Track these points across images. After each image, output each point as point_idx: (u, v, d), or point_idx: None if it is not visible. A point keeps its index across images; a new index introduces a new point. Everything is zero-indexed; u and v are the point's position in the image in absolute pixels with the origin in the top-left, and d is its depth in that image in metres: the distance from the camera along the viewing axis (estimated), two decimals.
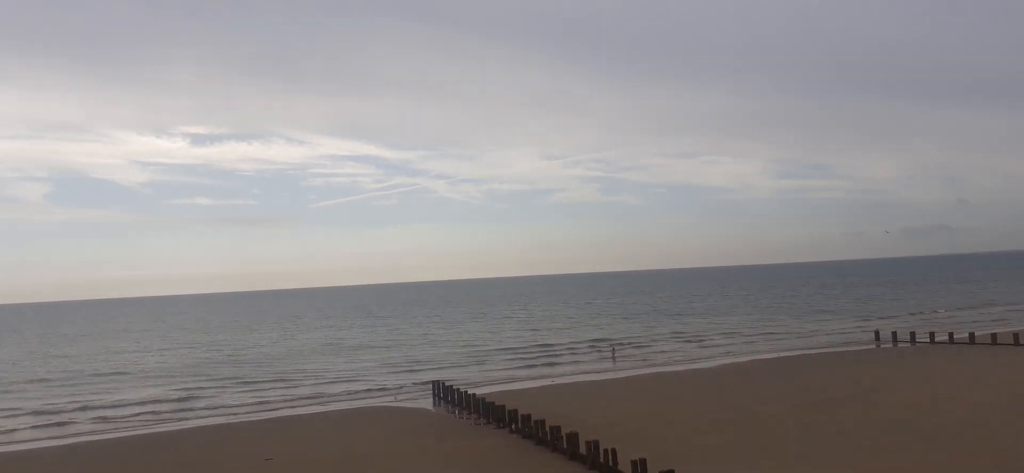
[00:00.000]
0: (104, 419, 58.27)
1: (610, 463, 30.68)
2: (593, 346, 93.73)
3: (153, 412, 60.45)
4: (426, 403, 56.79)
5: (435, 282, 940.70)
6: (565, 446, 34.57)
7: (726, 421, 40.05)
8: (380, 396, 62.49)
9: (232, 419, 55.14)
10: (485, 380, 67.58)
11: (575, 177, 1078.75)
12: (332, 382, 72.67)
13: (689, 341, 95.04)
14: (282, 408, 59.25)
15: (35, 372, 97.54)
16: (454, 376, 68.29)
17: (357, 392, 65.42)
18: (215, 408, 61.16)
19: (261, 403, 62.44)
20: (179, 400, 65.97)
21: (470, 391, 52.09)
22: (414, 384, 67.48)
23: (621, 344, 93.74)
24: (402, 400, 59.55)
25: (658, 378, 62.65)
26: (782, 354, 76.22)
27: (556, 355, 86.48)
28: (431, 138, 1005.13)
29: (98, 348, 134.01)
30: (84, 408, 63.81)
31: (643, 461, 28.24)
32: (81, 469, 39.58)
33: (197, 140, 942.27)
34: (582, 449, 33.45)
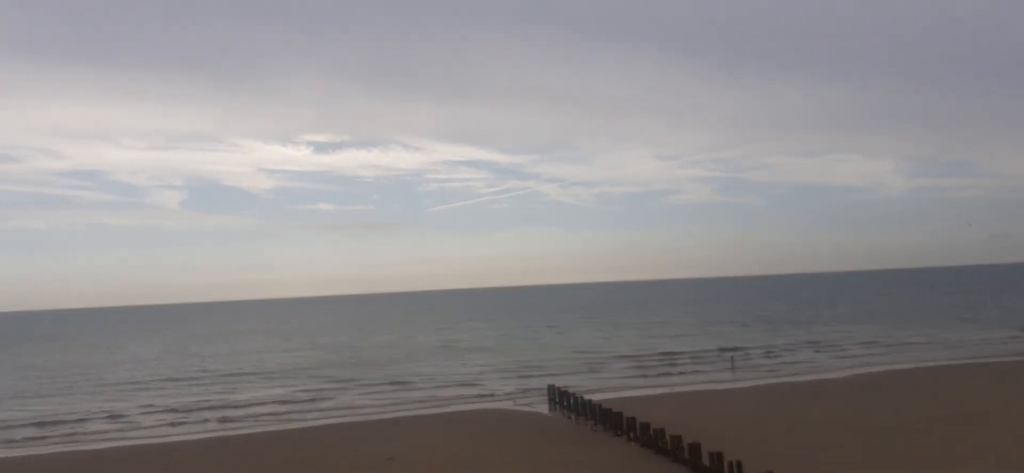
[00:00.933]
0: (232, 418, 61.31)
1: None
2: (714, 354, 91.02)
3: (274, 412, 63.09)
4: (542, 408, 56.63)
5: (547, 286, 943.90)
6: (687, 456, 33.49)
7: (858, 434, 37.75)
8: (496, 400, 62.83)
9: (354, 419, 56.80)
10: (600, 387, 66.76)
11: (691, 178, 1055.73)
12: (446, 386, 73.71)
13: (818, 350, 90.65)
14: (400, 409, 60.56)
15: (172, 370, 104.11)
16: (568, 382, 67.79)
17: (469, 396, 66.04)
18: (338, 408, 63.23)
19: (381, 404, 64.10)
20: (304, 400, 68.62)
21: (586, 397, 51.49)
22: (527, 389, 67.50)
23: (744, 352, 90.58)
24: (519, 404, 59.64)
25: (784, 388, 59.99)
26: (921, 364, 71.46)
27: (674, 363, 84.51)
28: (543, 142, 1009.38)
29: (228, 348, 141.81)
30: (215, 406, 67.46)
31: None
32: (218, 462, 41.63)
33: (319, 148, 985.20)
34: (705, 460, 32.30)
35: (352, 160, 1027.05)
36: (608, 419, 44.04)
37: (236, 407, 66.26)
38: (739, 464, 29.50)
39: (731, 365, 79.61)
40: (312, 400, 68.32)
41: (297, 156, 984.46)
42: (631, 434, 40.54)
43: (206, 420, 60.49)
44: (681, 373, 75.87)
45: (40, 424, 61.01)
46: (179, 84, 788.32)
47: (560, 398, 55.57)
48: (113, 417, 63.60)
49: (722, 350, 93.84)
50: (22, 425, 61.31)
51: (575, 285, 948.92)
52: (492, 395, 65.81)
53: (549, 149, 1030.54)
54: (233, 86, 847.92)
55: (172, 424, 59.19)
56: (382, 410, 60.86)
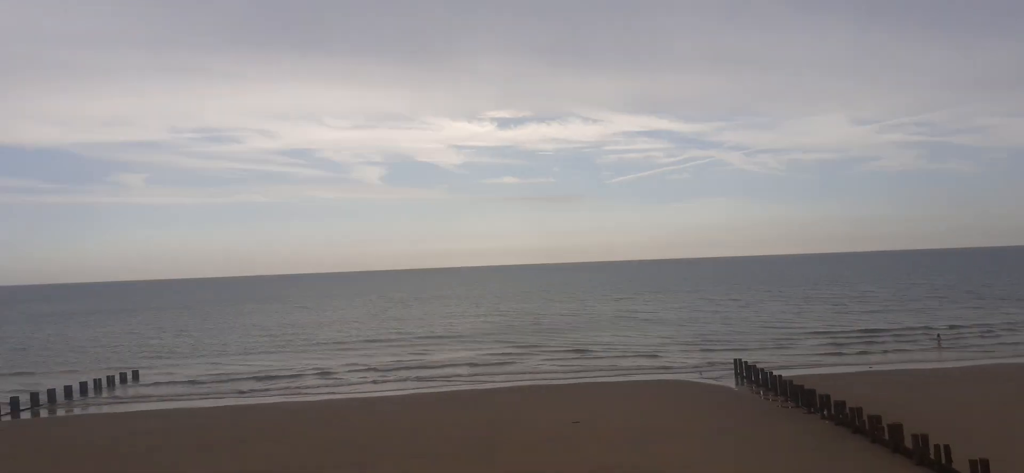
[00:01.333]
0: (426, 377, 65.27)
1: (942, 460, 27.53)
2: (919, 332, 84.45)
3: (464, 373, 66.36)
4: (728, 382, 55.50)
5: (729, 258, 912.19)
6: (886, 437, 31.71)
7: None
8: (678, 372, 62.30)
9: (539, 382, 58.65)
10: (789, 363, 64.19)
11: (892, 143, 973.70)
12: (627, 355, 73.98)
13: None
14: (582, 376, 61.68)
15: (372, 332, 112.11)
16: (754, 357, 65.76)
17: (650, 368, 65.87)
18: (523, 372, 65.52)
19: (564, 370, 65.63)
20: (493, 363, 71.69)
21: (775, 372, 49.84)
22: (711, 363, 66.27)
23: (956, 331, 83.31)
24: (705, 377, 58.82)
25: (1002, 371, 54.69)
26: None
27: (873, 340, 79.33)
28: (725, 108, 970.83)
29: (421, 313, 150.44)
30: (411, 366, 72.10)
31: (985, 462, 24.92)
32: (415, 416, 44.67)
33: (503, 123, 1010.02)
34: (907, 442, 30.45)
35: (533, 134, 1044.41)
36: (800, 395, 42.47)
37: (430, 367, 70.51)
38: (947, 449, 27.54)
39: (938, 344, 73.54)
40: (500, 363, 71.22)
41: (482, 132, 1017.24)
42: (825, 412, 38.90)
43: (404, 378, 64.90)
44: (881, 350, 71.16)
45: (261, 378, 68.12)
46: (377, 68, 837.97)
47: (747, 372, 54.16)
48: (323, 373, 69.74)
49: (929, 328, 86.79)
50: (247, 378, 68.79)
51: (760, 257, 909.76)
52: (674, 367, 65.29)
53: (732, 116, 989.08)
54: (424, 68, 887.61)
55: (374, 382, 64.01)
56: (565, 376, 62.31)
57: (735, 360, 59.05)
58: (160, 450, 37.95)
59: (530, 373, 64.87)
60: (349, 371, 70.67)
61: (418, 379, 64.07)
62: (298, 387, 62.74)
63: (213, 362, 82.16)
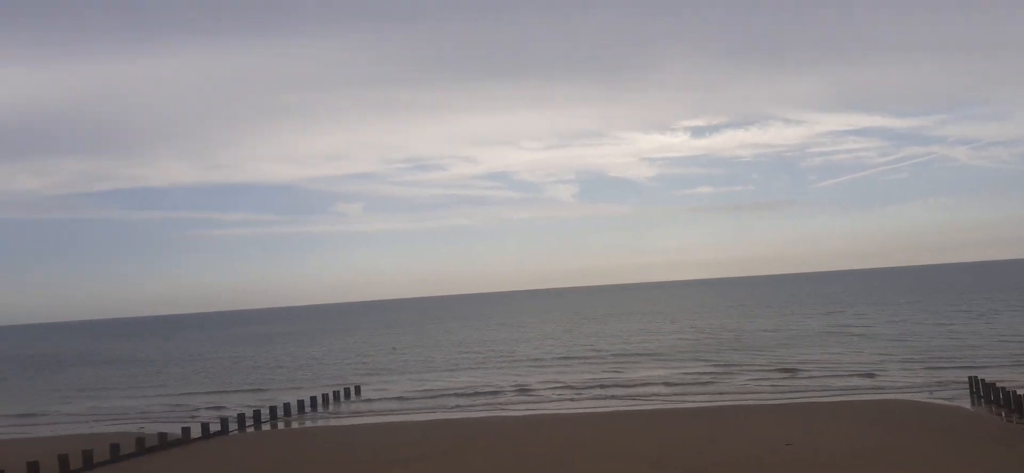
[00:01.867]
0: (621, 395, 64.89)
1: None
2: None
3: (660, 393, 65.15)
4: (963, 403, 50.35)
5: (954, 264, 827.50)
6: None
7: None
8: (901, 391, 57.42)
9: (744, 402, 56.43)
10: None
11: None
12: (839, 374, 69.17)
13: None
14: (791, 395, 58.55)
15: (567, 349, 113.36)
16: (990, 375, 59.10)
17: (867, 387, 61.15)
18: (725, 391, 63.35)
19: (770, 390, 62.66)
20: (690, 382, 69.92)
21: (1020, 392, 44.55)
22: (940, 382, 60.39)
23: None
24: (935, 396, 53.79)
25: None
26: None
27: None
28: (947, 100, 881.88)
29: (616, 329, 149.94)
30: (606, 384, 72.01)
31: None
32: (614, 434, 44.53)
33: (696, 132, 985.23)
34: None
35: (730, 141, 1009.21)
36: None
37: (626, 385, 70.00)
38: None
39: None
40: (699, 382, 69.30)
41: (675, 143, 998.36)
42: None
43: (600, 396, 64.96)
44: None
45: (465, 394, 70.96)
46: (567, 88, 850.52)
47: (984, 391, 48.83)
48: (521, 390, 71.49)
49: None
50: (450, 394, 72.01)
51: (990, 262, 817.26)
52: (895, 386, 60.22)
53: (955, 107, 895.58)
54: (613, 83, 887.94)
55: (571, 400, 64.64)
56: (771, 395, 59.47)
57: (970, 378, 53.47)
58: (387, 457, 40.73)
59: (734, 393, 62.58)
60: (546, 387, 71.85)
61: (614, 397, 63.85)
62: (499, 403, 64.75)
63: (420, 378, 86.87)
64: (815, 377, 67.99)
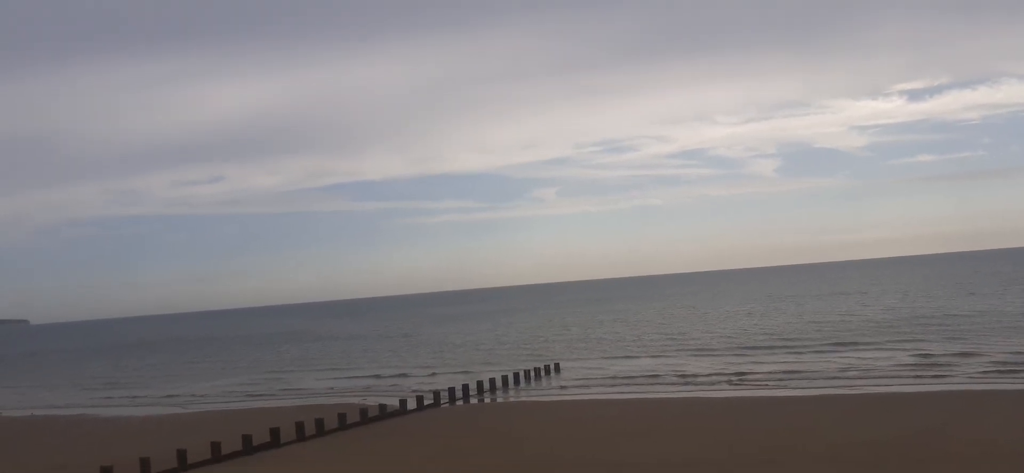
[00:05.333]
0: (835, 378, 61.59)
1: None
2: None
3: (878, 380, 61.01)
4: None
5: None
6: None
7: None
8: None
9: (971, 387, 51.78)
10: None
11: None
12: None
13: None
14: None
15: (767, 331, 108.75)
16: None
17: None
18: (947, 376, 58.32)
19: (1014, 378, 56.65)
20: (909, 367, 64.80)
21: None
22: None
23: None
24: None
25: None
26: None
27: None
28: None
29: (815, 309, 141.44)
30: (813, 366, 68.61)
31: None
32: (829, 419, 42.62)
33: (914, 96, 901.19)
34: None
35: (953, 103, 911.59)
36: None
37: (837, 372, 66.05)
38: None
39: None
40: (921, 367, 64.02)
41: (889, 108, 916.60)
42: None
43: (812, 377, 61.99)
44: None
45: (651, 376, 70.16)
46: (766, 58, 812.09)
47: None
48: (722, 375, 69.81)
49: None
50: (638, 376, 71.87)
51: None
52: None
53: None
54: (815, 48, 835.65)
55: (779, 381, 62.26)
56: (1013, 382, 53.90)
57: None
58: (582, 434, 41.91)
59: (963, 376, 57.41)
60: (755, 369, 69.49)
61: (826, 379, 60.73)
62: (704, 384, 63.63)
63: (615, 358, 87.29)
64: None
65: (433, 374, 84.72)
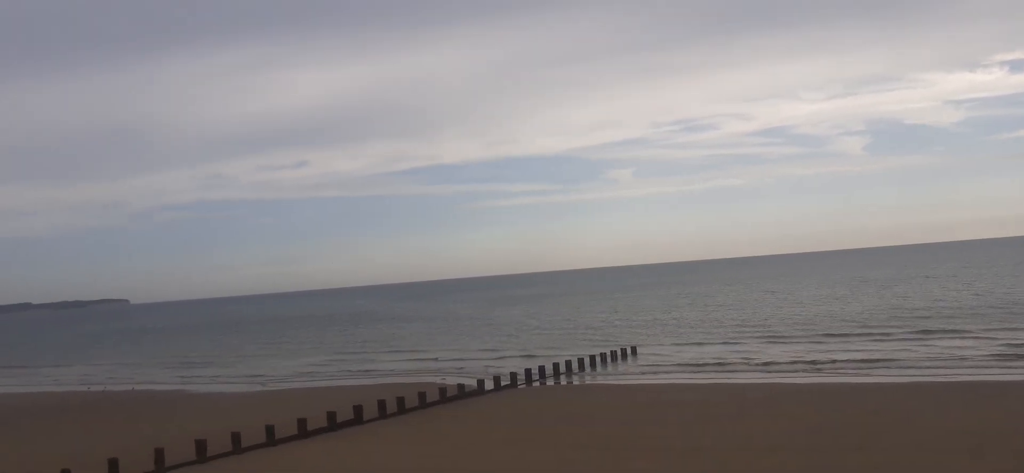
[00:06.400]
0: (921, 365, 59.48)
1: None
2: None
3: (982, 366, 58.57)
4: None
5: None
6: None
7: None
8: None
9: None
10: None
11: None
12: None
13: None
14: None
15: (850, 317, 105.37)
16: None
17: None
18: None
19: None
20: (1001, 356, 61.82)
21: None
22: None
23: None
24: None
25: None
26: None
27: None
28: None
29: (904, 293, 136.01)
30: (897, 353, 66.33)
31: None
32: (917, 407, 41.31)
33: (1016, 66, 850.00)
34: None
35: None
36: None
37: (927, 360, 63.63)
38: None
39: None
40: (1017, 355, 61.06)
41: (987, 81, 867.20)
42: None
43: (899, 364, 59.93)
44: None
45: (725, 362, 68.83)
46: (852, 31, 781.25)
47: None
48: (810, 363, 68.19)
49: None
50: (711, 363, 70.78)
51: None
52: None
53: None
54: (907, 19, 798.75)
55: (859, 366, 60.50)
56: None
57: None
58: (660, 416, 41.80)
59: None
60: (836, 356, 67.54)
61: (912, 368, 58.49)
62: (781, 371, 62.35)
63: (687, 342, 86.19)
64: None
65: (509, 356, 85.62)
